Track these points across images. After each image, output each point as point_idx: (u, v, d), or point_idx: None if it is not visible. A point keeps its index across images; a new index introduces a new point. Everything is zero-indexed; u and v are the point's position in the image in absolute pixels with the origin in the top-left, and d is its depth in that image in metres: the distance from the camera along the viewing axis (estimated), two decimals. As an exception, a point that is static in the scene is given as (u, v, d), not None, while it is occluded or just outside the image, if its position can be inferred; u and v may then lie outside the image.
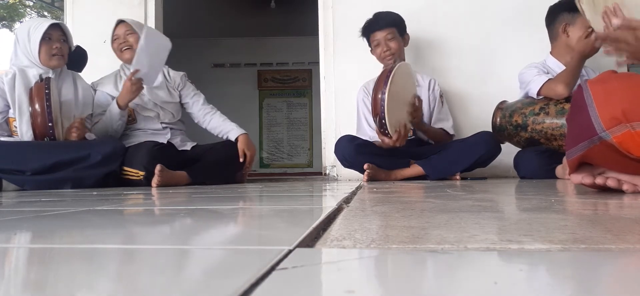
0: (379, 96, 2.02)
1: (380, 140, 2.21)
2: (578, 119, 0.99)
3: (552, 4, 2.33)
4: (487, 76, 2.77)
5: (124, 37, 2.31)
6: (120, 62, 2.40)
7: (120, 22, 2.36)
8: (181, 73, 2.48)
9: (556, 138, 2.12)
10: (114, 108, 2.20)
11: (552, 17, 2.30)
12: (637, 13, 1.37)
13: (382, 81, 2.04)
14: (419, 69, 2.72)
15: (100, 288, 0.30)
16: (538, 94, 2.20)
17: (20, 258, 0.41)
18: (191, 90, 2.45)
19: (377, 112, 2.04)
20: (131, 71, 2.17)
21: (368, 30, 2.45)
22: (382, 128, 2.07)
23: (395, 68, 2.06)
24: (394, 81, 2.01)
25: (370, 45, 2.49)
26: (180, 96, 2.43)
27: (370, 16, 2.49)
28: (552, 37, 2.33)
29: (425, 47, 2.81)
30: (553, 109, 2.12)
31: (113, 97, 2.27)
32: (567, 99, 2.07)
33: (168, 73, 2.44)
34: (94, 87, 2.35)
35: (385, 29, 2.40)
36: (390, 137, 2.07)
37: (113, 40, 2.34)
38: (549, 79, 2.16)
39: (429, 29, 2.79)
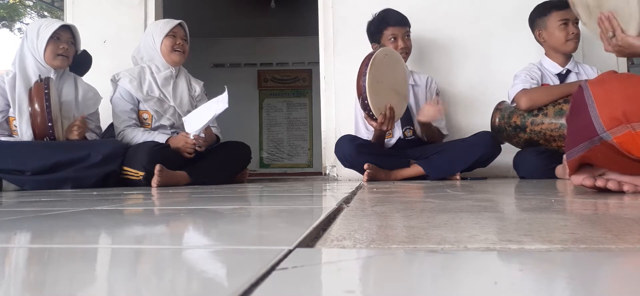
0: (361, 78, 2.03)
1: (373, 137, 2.22)
2: (578, 120, 0.99)
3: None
4: (487, 76, 2.77)
5: (181, 40, 2.32)
6: (147, 57, 2.34)
7: (181, 24, 2.37)
8: (201, 83, 2.48)
9: (555, 139, 2.12)
10: (162, 140, 2.19)
11: (531, 26, 2.41)
12: (628, 18, 1.37)
13: (364, 63, 2.05)
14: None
15: (100, 288, 0.30)
16: (511, 101, 2.26)
17: (20, 258, 0.41)
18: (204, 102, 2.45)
19: (360, 93, 2.05)
20: (194, 135, 2.16)
21: (385, 22, 2.41)
22: (366, 110, 2.07)
23: (377, 51, 2.07)
24: (374, 63, 2.02)
25: (377, 40, 2.44)
26: (195, 107, 2.42)
27: (370, 16, 2.48)
28: (539, 43, 2.41)
29: (426, 46, 2.81)
30: (551, 110, 2.12)
31: (137, 98, 2.25)
32: (566, 100, 2.08)
33: (190, 81, 2.44)
34: (115, 80, 2.28)
35: (404, 26, 2.42)
36: (376, 120, 2.07)
37: (166, 35, 2.30)
38: (523, 89, 2.22)
39: (429, 28, 2.79)
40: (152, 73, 2.31)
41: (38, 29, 2.15)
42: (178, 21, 2.37)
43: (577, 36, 2.27)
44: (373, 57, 2.03)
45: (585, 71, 2.34)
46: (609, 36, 1.40)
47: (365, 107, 2.06)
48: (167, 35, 2.30)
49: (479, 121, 2.58)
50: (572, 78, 2.31)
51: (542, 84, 2.30)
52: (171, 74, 2.34)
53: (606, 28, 1.41)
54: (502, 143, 2.33)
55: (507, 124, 2.26)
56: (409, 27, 2.45)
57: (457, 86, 2.80)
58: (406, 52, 2.39)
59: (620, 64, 2.71)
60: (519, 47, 2.71)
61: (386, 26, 2.40)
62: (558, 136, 2.09)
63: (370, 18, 2.49)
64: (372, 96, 2.02)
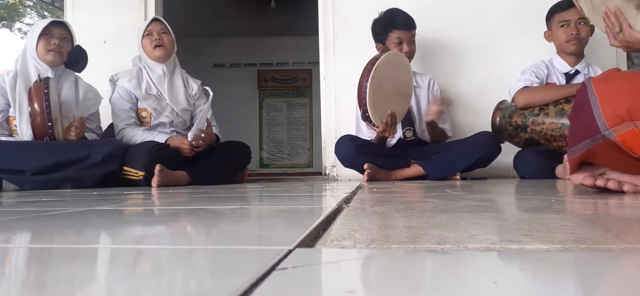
0: (363, 88, 2.02)
1: (374, 140, 2.22)
2: (581, 117, 0.98)
3: (551, 4, 2.38)
4: (488, 76, 2.77)
5: (159, 35, 2.31)
6: (141, 57, 2.37)
7: (155, 19, 2.37)
8: (198, 82, 2.48)
9: (556, 139, 2.12)
10: (161, 139, 2.19)
11: (547, 27, 2.44)
12: (635, 14, 1.37)
13: (366, 72, 2.03)
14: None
15: (100, 288, 0.30)
16: (512, 99, 2.27)
17: (20, 258, 0.41)
18: (203, 102, 2.44)
19: (361, 104, 2.04)
20: (192, 136, 2.16)
21: (391, 25, 2.37)
22: (366, 120, 2.07)
23: (379, 59, 2.04)
24: (376, 72, 2.00)
25: (382, 41, 2.41)
26: (194, 105, 2.43)
27: (371, 16, 2.48)
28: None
29: (425, 47, 2.81)
30: (552, 110, 2.12)
31: (135, 96, 2.26)
32: (567, 100, 2.08)
33: (187, 80, 2.44)
34: (113, 81, 2.30)
35: (410, 29, 2.38)
36: (376, 127, 2.07)
37: (144, 36, 2.32)
38: (524, 87, 2.23)
39: (430, 29, 2.79)
40: (147, 73, 2.33)
41: (34, 26, 2.18)
42: (151, 19, 2.39)
43: (576, 37, 2.27)
44: (375, 67, 2.00)
45: (595, 73, 2.33)
46: (616, 31, 1.40)
47: (366, 118, 2.06)
48: (144, 36, 2.33)
49: (481, 121, 2.57)
50: (580, 79, 2.30)
51: (546, 83, 2.31)
52: (163, 71, 2.34)
53: (613, 23, 1.41)
54: (503, 143, 2.33)
55: (508, 123, 2.26)
56: (415, 29, 2.42)
57: (458, 87, 2.80)
58: (410, 56, 2.35)
59: (620, 64, 2.71)
60: (520, 47, 2.71)
61: (392, 29, 2.37)
62: (559, 136, 2.09)
63: (371, 17, 2.48)
64: (373, 106, 2.01)
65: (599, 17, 1.47)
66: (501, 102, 2.36)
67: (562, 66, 2.34)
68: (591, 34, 2.31)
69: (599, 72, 2.32)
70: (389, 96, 2.10)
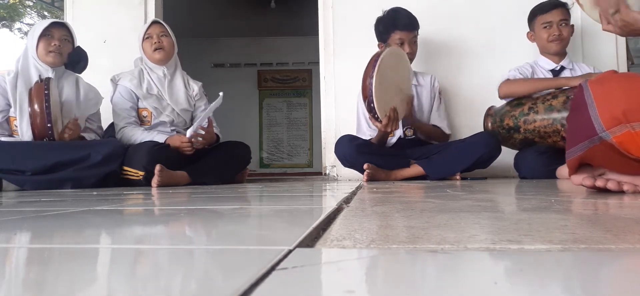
0: (368, 79, 2.02)
1: (375, 138, 2.22)
2: (578, 119, 0.99)
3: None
4: (488, 76, 2.77)
5: (158, 38, 2.32)
6: (142, 59, 2.38)
7: (155, 22, 2.38)
8: (199, 83, 2.49)
9: (549, 135, 2.13)
10: (161, 139, 2.19)
11: (529, 28, 2.50)
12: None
13: (371, 64, 2.04)
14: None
15: (100, 288, 0.30)
16: (498, 94, 2.33)
17: (20, 258, 0.41)
18: (203, 103, 2.45)
19: (366, 96, 2.05)
20: (191, 133, 2.16)
21: (393, 26, 2.36)
22: (371, 112, 2.07)
23: (384, 53, 2.05)
24: (382, 63, 2.01)
25: (384, 40, 2.40)
26: (194, 106, 2.44)
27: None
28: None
29: (427, 46, 2.81)
30: (541, 107, 2.15)
31: (136, 95, 2.28)
32: (554, 96, 2.12)
33: (188, 81, 2.45)
34: (115, 81, 2.32)
35: (412, 31, 2.38)
36: (381, 122, 2.07)
37: (144, 39, 2.34)
38: (507, 79, 2.30)
39: (431, 29, 2.78)
40: (148, 74, 2.34)
41: (34, 28, 2.18)
42: (150, 22, 2.40)
43: (559, 37, 2.33)
44: (380, 58, 2.02)
45: (580, 69, 2.39)
46: (611, 13, 1.38)
47: (370, 109, 2.06)
48: (144, 39, 2.34)
49: (479, 121, 2.57)
50: (566, 75, 2.35)
51: None
52: (164, 73, 2.35)
53: (609, 4, 1.38)
54: (501, 144, 2.34)
55: (500, 127, 2.28)
56: (417, 29, 2.41)
57: (458, 87, 2.80)
58: (411, 57, 2.35)
59: (620, 64, 2.71)
60: (519, 47, 2.71)
61: (394, 30, 2.36)
62: (552, 132, 2.11)
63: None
64: (378, 99, 2.02)
65: (592, 3, 1.45)
66: (490, 108, 2.40)
67: (548, 64, 2.40)
68: (572, 34, 2.38)
69: (585, 68, 2.37)
70: (392, 90, 2.12)
